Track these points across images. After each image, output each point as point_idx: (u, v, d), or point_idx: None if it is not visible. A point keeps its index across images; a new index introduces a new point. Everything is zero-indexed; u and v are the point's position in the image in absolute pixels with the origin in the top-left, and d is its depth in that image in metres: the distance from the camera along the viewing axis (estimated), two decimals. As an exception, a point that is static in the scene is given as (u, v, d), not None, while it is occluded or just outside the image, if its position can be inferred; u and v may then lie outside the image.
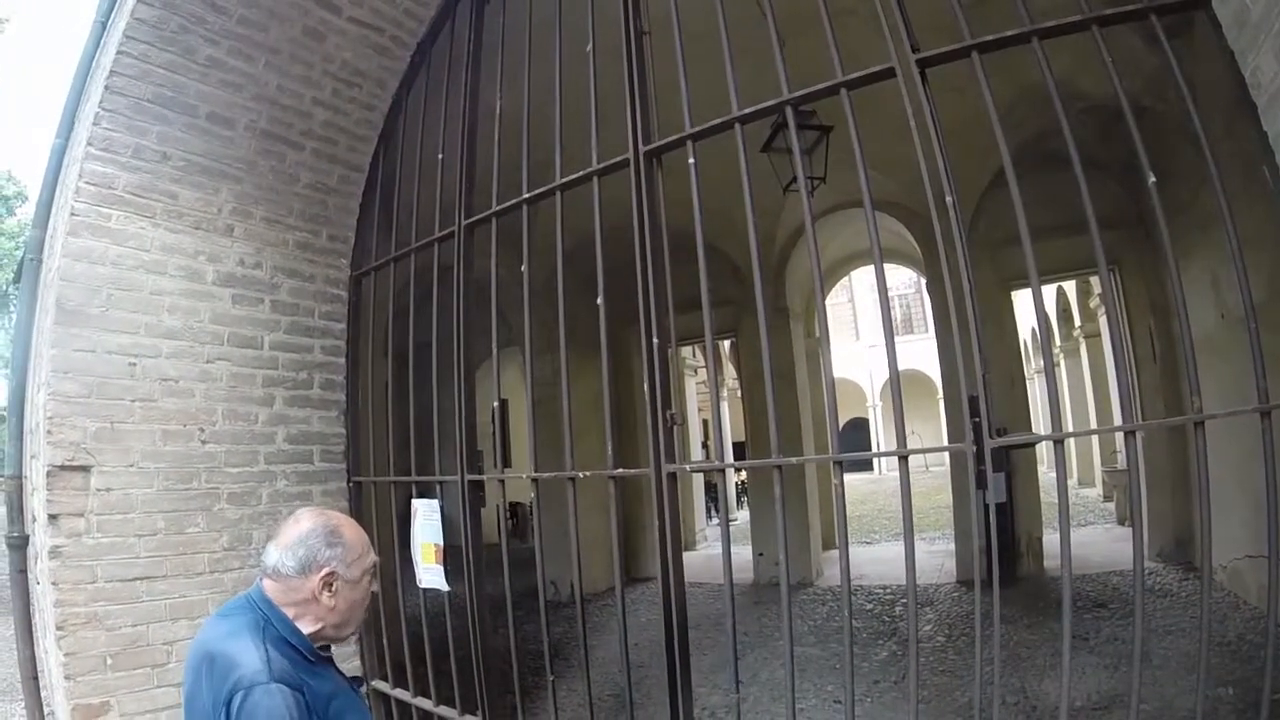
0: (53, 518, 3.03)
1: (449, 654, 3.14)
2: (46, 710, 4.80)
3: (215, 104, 3.40)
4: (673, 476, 2.50)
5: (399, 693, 3.48)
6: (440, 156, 3.31)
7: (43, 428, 3.12)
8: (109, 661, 3.05)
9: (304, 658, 1.75)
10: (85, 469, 3.06)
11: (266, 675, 1.61)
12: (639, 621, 6.78)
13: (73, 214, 3.12)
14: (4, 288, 35.35)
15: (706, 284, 2.38)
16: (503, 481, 3.02)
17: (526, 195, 2.91)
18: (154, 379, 3.23)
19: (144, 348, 3.21)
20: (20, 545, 4.15)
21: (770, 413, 2.32)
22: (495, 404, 2.90)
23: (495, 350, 2.95)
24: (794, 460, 2.57)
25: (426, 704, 3.32)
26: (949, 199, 2.05)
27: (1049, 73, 2.01)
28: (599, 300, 2.65)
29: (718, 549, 11.65)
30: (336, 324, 3.77)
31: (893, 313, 29.18)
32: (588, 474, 2.69)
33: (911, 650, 2.11)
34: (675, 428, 2.50)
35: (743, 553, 9.31)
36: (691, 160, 2.45)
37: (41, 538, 3.25)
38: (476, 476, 3.13)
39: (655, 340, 2.49)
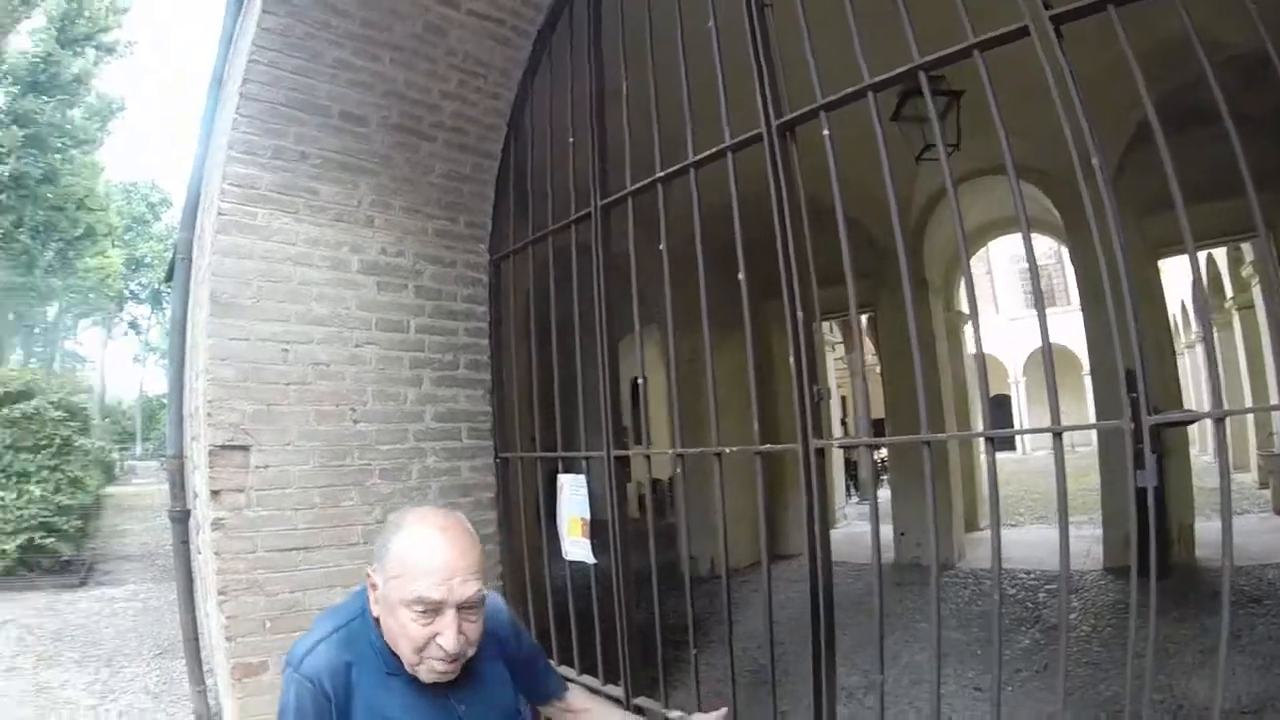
0: (215, 493, 2.97)
1: (593, 625, 2.96)
2: (206, 668, 4.83)
3: (346, 103, 3.28)
4: (820, 452, 2.25)
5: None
6: (571, 140, 3.11)
7: (203, 411, 3.04)
8: (267, 625, 3.02)
9: (382, 663, 1.48)
10: (244, 448, 2.99)
11: (296, 662, 1.46)
12: (778, 599, 6.49)
13: (220, 214, 3.05)
14: (156, 286, 36.87)
15: (849, 256, 2.15)
16: (648, 458, 2.82)
17: (661, 174, 2.67)
18: (306, 363, 3.14)
19: (295, 334, 3.13)
20: (182, 519, 4.15)
21: (919, 386, 2.07)
22: (640, 380, 2.71)
23: (638, 327, 2.72)
24: (944, 436, 2.31)
25: (569, 672, 3.14)
26: (1095, 160, 1.76)
27: (1190, 21, 1.71)
28: (740, 275, 2.43)
29: (858, 527, 11.31)
30: (479, 306, 3.63)
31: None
32: (734, 450, 2.47)
33: (1062, 642, 1.84)
34: (821, 402, 2.27)
35: (883, 532, 8.34)
36: (826, 132, 2.20)
37: (204, 511, 3.21)
38: (622, 452, 2.92)
39: (800, 314, 2.26)
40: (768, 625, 2.26)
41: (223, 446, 2.95)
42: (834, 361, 15.59)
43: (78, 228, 27.50)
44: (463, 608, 1.39)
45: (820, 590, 2.21)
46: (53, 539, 9.33)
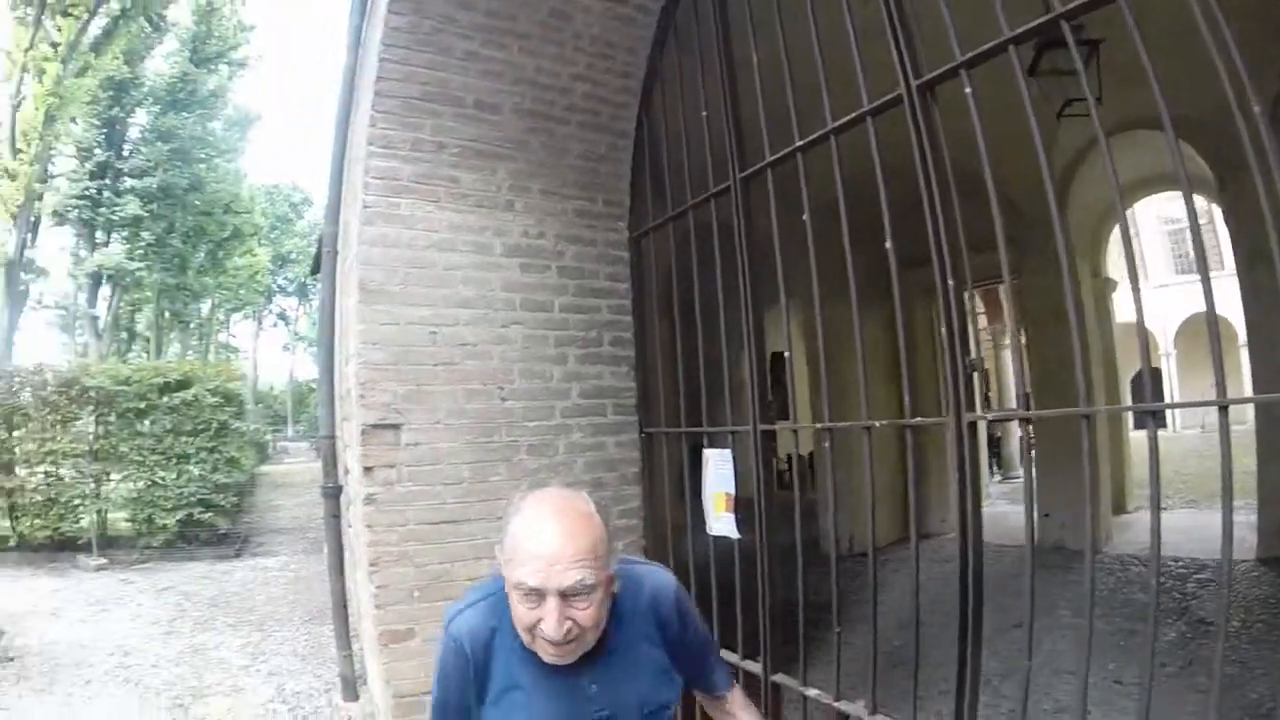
0: (367, 470, 3.07)
1: (734, 600, 2.93)
2: (352, 634, 5.05)
3: (479, 92, 3.32)
4: (973, 426, 2.12)
5: None
6: (704, 114, 3.05)
7: (355, 392, 3.15)
8: (415, 594, 3.13)
9: (517, 636, 1.45)
10: (395, 427, 3.08)
11: (446, 623, 1.53)
12: (924, 577, 6.26)
13: (365, 206, 3.15)
14: (302, 279, 38.99)
15: (1000, 221, 2.02)
16: (795, 432, 2.73)
17: (800, 143, 2.57)
18: (454, 345, 3.21)
19: (443, 317, 3.20)
20: (334, 494, 4.33)
21: (1076, 357, 1.94)
22: (786, 354, 2.66)
23: (784, 301, 2.68)
24: (1106, 409, 2.15)
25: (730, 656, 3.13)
26: (1256, 107, 1.56)
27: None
28: (888, 244, 2.32)
29: (1000, 507, 10.83)
30: (620, 284, 3.62)
31: (1183, 247, 24.24)
32: (882, 424, 2.37)
33: (1220, 638, 1.66)
34: (974, 374, 2.17)
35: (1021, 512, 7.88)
36: (968, 90, 2.07)
37: (356, 487, 3.32)
38: (769, 426, 2.84)
39: (950, 282, 2.14)
40: (914, 606, 2.17)
41: (375, 425, 3.06)
42: (977, 333, 14.74)
43: (225, 230, 29.31)
44: (568, 595, 1.34)
45: (970, 571, 2.09)
46: (210, 514, 10.02)
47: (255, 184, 38.18)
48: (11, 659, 5.83)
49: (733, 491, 2.96)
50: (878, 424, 2.32)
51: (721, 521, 3.00)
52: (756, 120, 2.76)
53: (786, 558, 2.74)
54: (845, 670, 2.49)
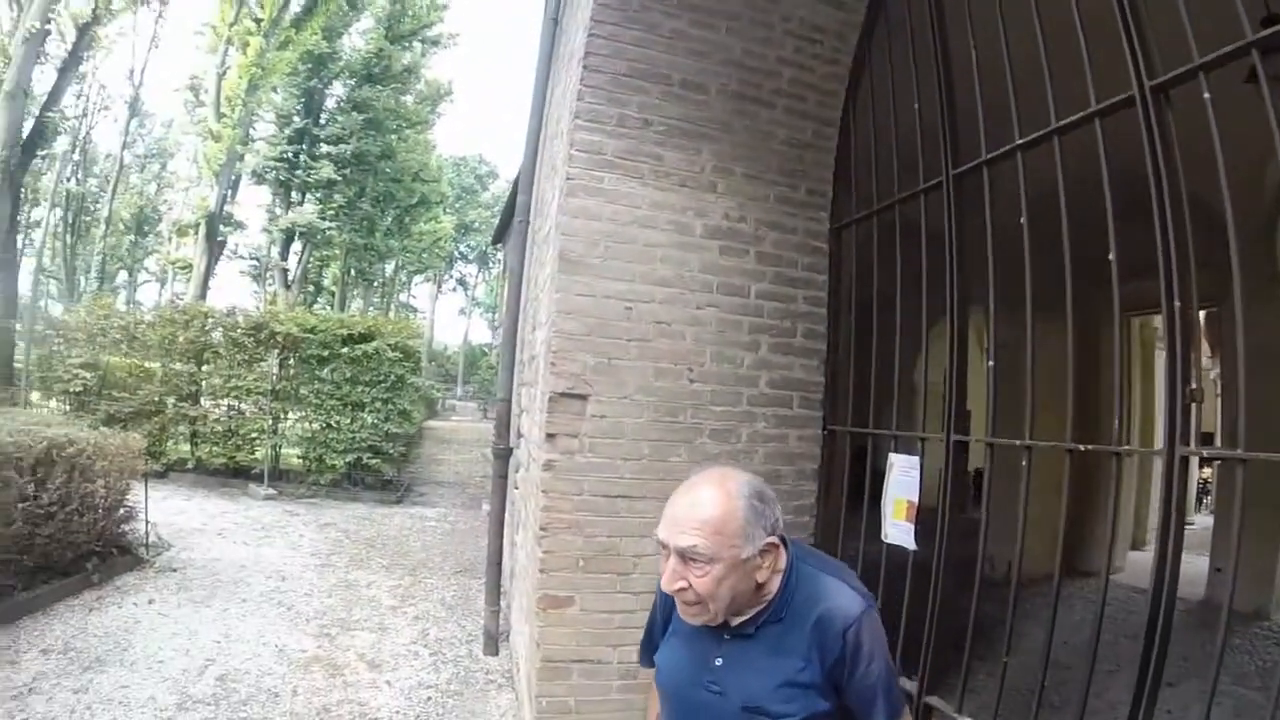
0: (550, 436, 3.06)
1: (900, 613, 2.76)
2: (502, 589, 5.16)
3: (686, 71, 3.26)
4: (1185, 461, 1.89)
5: None
6: (916, 106, 2.87)
7: (545, 360, 3.15)
8: (580, 563, 3.11)
9: None
10: (583, 397, 3.06)
11: None
12: (1072, 619, 5.64)
13: (568, 178, 3.12)
14: (484, 248, 41.04)
15: (1235, 238, 1.75)
16: (991, 446, 2.48)
17: (1020, 141, 2.38)
18: (648, 321, 3.16)
19: (639, 293, 3.15)
20: (504, 455, 4.42)
21: None
22: (990, 364, 2.41)
23: (992, 307, 2.42)
24: None
25: None
26: None
27: None
28: (1111, 256, 2.09)
29: None
30: (818, 275, 3.47)
31: None
32: (1088, 448, 2.14)
33: None
34: (1195, 405, 1.90)
35: (1196, 563, 6.42)
36: (1207, 95, 1.81)
37: (534, 452, 3.33)
38: (963, 437, 2.65)
39: (1177, 303, 1.90)
40: (1093, 644, 1.93)
41: (563, 394, 3.04)
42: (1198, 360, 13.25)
43: (413, 197, 31.01)
44: (686, 558, 1.42)
45: (1160, 618, 1.85)
46: (377, 460, 10.38)
47: (444, 155, 40.26)
48: (175, 570, 6.17)
49: (916, 500, 2.79)
50: (1083, 448, 2.10)
51: (899, 530, 2.84)
52: (970, 114, 2.57)
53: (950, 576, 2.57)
54: (986, 703, 2.32)
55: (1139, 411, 9.17)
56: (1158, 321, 11.12)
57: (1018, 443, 2.30)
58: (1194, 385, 1.91)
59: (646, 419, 3.14)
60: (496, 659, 4.87)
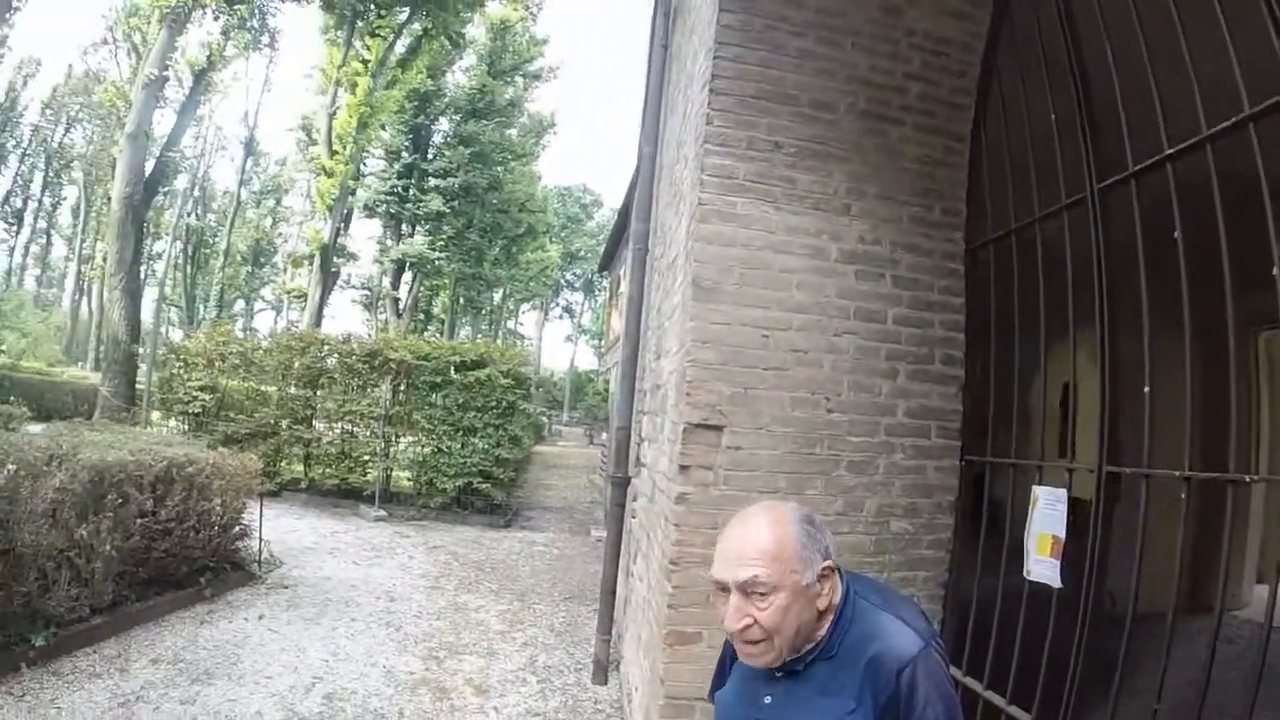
0: (684, 469, 2.98)
1: (1042, 652, 2.54)
2: (614, 618, 5.07)
3: (813, 91, 3.17)
4: None
5: (970, 681, 2.93)
6: (1053, 117, 2.68)
7: (678, 389, 3.08)
8: (710, 599, 2.95)
9: None
10: (718, 428, 2.97)
11: None
12: (1199, 657, 5.51)
13: (700, 203, 3.06)
14: (589, 276, 41.91)
15: None
16: (1147, 478, 2.23)
17: (1170, 151, 2.18)
18: (785, 350, 3.05)
19: (775, 321, 3.05)
20: (622, 484, 4.36)
21: None
22: (1146, 390, 2.19)
23: (1146, 328, 2.22)
24: None
25: (997, 699, 2.75)
26: None
27: None
28: (1275, 271, 1.84)
29: None
30: (955, 298, 3.31)
31: None
32: (1257, 478, 1.93)
33: None
34: None
35: None
36: None
37: (664, 483, 3.27)
38: (1116, 468, 2.47)
39: None
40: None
41: (698, 425, 2.96)
42: None
43: (519, 227, 31.82)
44: (747, 591, 1.38)
45: None
46: (487, 484, 10.53)
47: (549, 185, 41.36)
48: (286, 587, 6.33)
49: (1061, 536, 2.62)
50: (1249, 479, 1.87)
51: (1043, 566, 2.67)
52: (1109, 124, 2.39)
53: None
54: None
55: (1267, 437, 8.49)
56: None
57: (1176, 474, 2.08)
58: None
59: (783, 450, 3.02)
60: (605, 688, 4.80)
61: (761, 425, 3.00)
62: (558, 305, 48.90)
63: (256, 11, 18.35)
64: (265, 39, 19.79)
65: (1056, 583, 2.60)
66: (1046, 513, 2.70)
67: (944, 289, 3.28)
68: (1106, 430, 2.49)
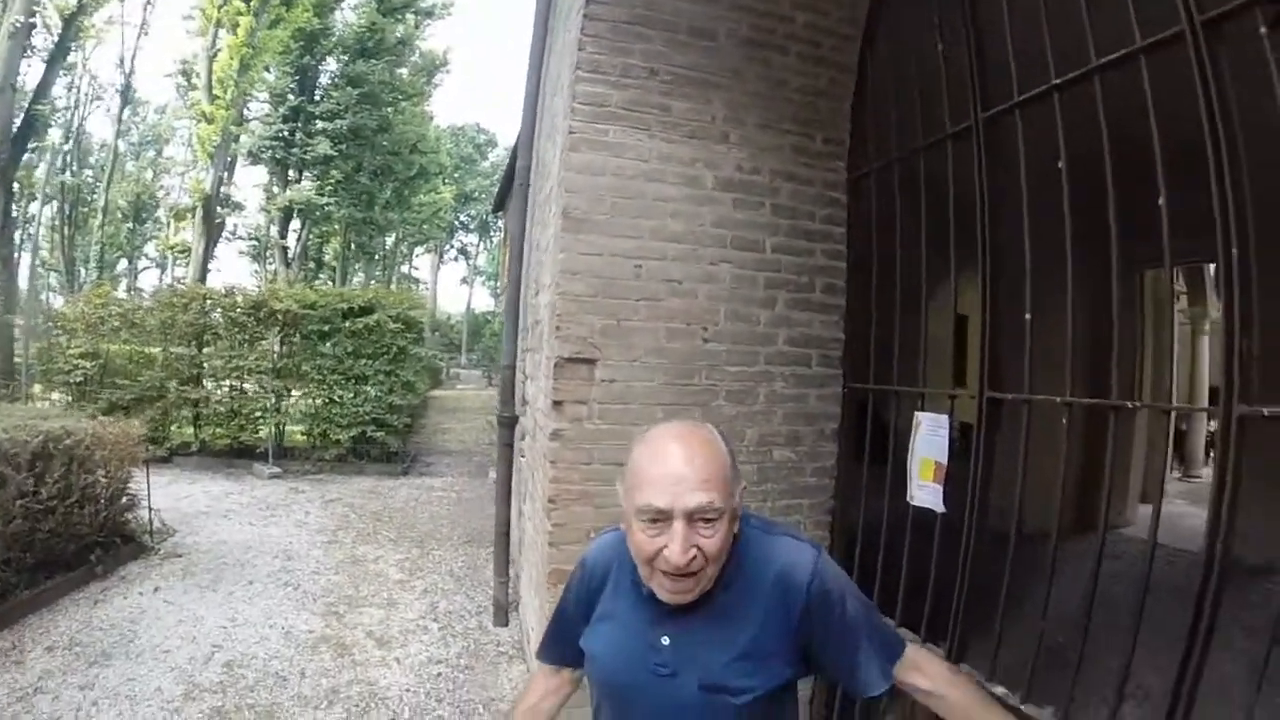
0: (557, 404, 2.88)
1: (926, 577, 2.59)
2: (511, 559, 5.04)
3: (692, 17, 3.04)
4: (1243, 422, 1.70)
5: None
6: (940, 47, 2.64)
7: (550, 324, 2.96)
8: (591, 535, 2.92)
9: (631, 570, 1.39)
10: (591, 362, 2.88)
11: (598, 536, 1.59)
12: (1087, 573, 5.82)
13: (570, 132, 2.91)
14: (484, 217, 40.81)
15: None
16: (1029, 403, 2.27)
17: (1056, 80, 2.17)
18: (658, 280, 2.96)
19: (649, 251, 2.95)
20: (509, 424, 4.27)
21: None
22: (1027, 318, 2.20)
23: (1028, 256, 2.22)
24: None
25: (888, 622, 2.83)
26: None
27: None
28: (1161, 201, 1.89)
29: (1178, 507, 10.05)
30: (836, 228, 3.27)
31: None
32: (1138, 405, 1.98)
33: None
34: (1249, 358, 1.72)
35: (1201, 515, 6.82)
36: (1263, 29, 1.62)
37: (540, 420, 3.18)
38: (998, 394, 2.47)
39: (1234, 250, 1.72)
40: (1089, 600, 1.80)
41: (569, 359, 2.87)
42: (1177, 314, 13.17)
43: (411, 169, 30.54)
44: (694, 518, 1.24)
45: (1214, 578, 1.71)
46: (382, 433, 10.29)
47: (441, 126, 39.90)
48: (180, 555, 6.09)
49: (944, 461, 2.63)
50: (1132, 404, 1.93)
51: (926, 491, 2.69)
52: (998, 56, 2.35)
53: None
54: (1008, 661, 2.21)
55: (1150, 369, 9.06)
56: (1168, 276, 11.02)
57: (1058, 400, 2.13)
58: (1250, 338, 1.73)
59: (658, 382, 2.95)
60: (506, 630, 4.78)
61: (636, 357, 2.92)
62: (452, 248, 47.70)
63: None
64: (139, -21, 18.14)
65: (940, 507, 2.63)
66: (928, 438, 2.71)
67: (825, 218, 3.24)
68: (987, 357, 2.50)
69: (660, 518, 1.25)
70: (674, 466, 1.26)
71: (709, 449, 1.29)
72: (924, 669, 1.44)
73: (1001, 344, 2.54)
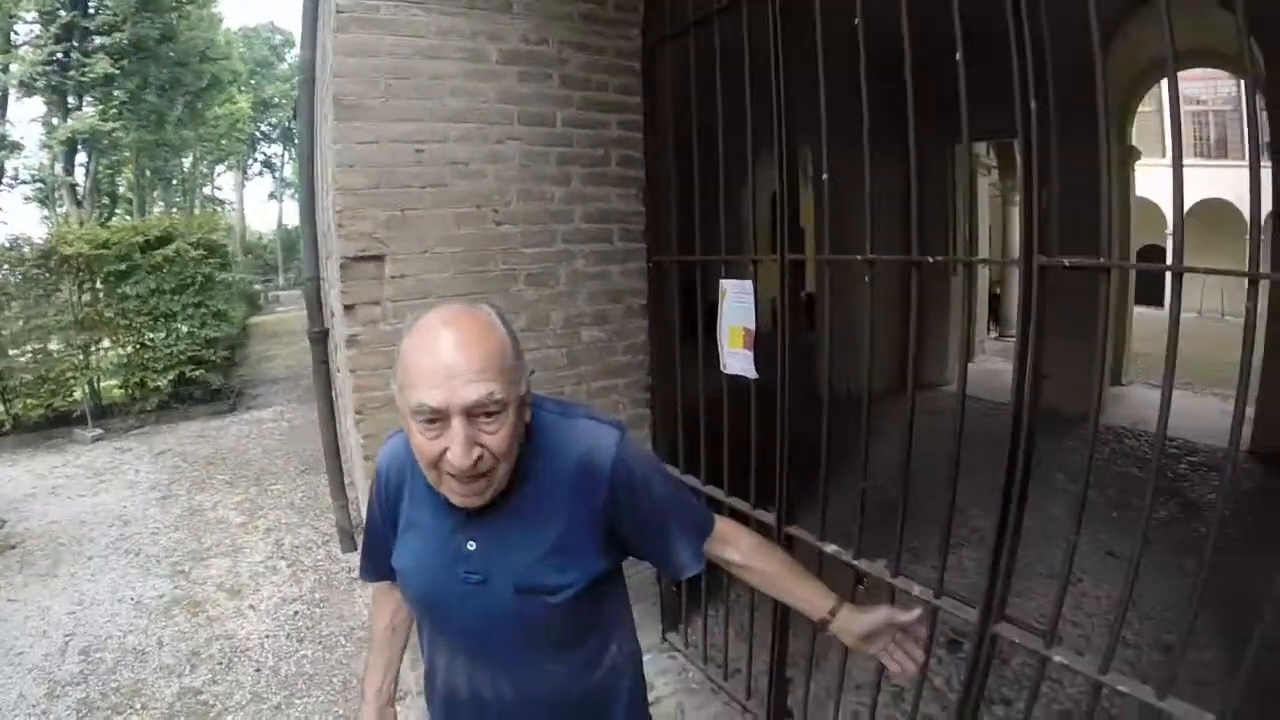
0: (348, 308, 2.68)
1: (748, 445, 2.61)
2: (347, 481, 4.89)
3: (459, -128, 2.73)
4: (1044, 272, 1.72)
5: (689, 479, 3.01)
6: None
7: (333, 222, 2.74)
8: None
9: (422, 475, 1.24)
10: (378, 258, 2.66)
11: (385, 440, 1.44)
12: (919, 429, 6.12)
13: (339, 10, 2.59)
14: (286, 124, 37.58)
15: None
16: (829, 264, 2.26)
17: None
18: (442, 163, 2.73)
19: (429, 133, 2.71)
20: (321, 339, 4.06)
21: (1104, 205, 1.58)
22: (824, 176, 2.20)
23: (824, 114, 2.13)
24: (1132, 264, 1.76)
25: (717, 493, 2.83)
26: None
27: None
28: (958, 56, 1.84)
29: (995, 364, 10.86)
30: (632, 98, 3.11)
31: (1204, 130, 24.73)
32: (936, 259, 2.01)
33: (1213, 526, 1.42)
34: (1048, 210, 1.78)
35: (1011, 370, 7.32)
36: None
37: (339, 329, 2.99)
38: (798, 256, 2.44)
39: (1032, 104, 1.73)
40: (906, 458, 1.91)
41: (354, 259, 2.64)
42: (988, 186, 14.04)
43: (202, 79, 27.76)
44: (474, 414, 1.11)
45: (1024, 426, 1.77)
46: (202, 371, 9.71)
47: (232, 29, 36.35)
48: (13, 546, 5.65)
49: (752, 327, 2.61)
50: (932, 259, 1.98)
51: (738, 359, 2.67)
52: None
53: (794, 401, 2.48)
54: (837, 518, 2.32)
55: (965, 233, 9.69)
56: (977, 149, 11.72)
57: (859, 257, 2.12)
58: (1048, 190, 1.79)
59: (452, 272, 2.78)
60: (355, 554, 4.69)
61: (426, 248, 2.73)
62: (256, 161, 43.88)
63: None
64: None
65: (752, 373, 2.62)
66: (735, 305, 2.68)
67: (619, 88, 3.08)
68: (785, 223, 2.45)
69: (436, 417, 1.11)
70: (445, 357, 1.10)
71: (484, 332, 1.15)
72: (733, 541, 1.43)
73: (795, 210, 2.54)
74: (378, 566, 1.47)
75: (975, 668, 1.93)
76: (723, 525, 1.44)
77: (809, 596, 1.42)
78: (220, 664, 3.75)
